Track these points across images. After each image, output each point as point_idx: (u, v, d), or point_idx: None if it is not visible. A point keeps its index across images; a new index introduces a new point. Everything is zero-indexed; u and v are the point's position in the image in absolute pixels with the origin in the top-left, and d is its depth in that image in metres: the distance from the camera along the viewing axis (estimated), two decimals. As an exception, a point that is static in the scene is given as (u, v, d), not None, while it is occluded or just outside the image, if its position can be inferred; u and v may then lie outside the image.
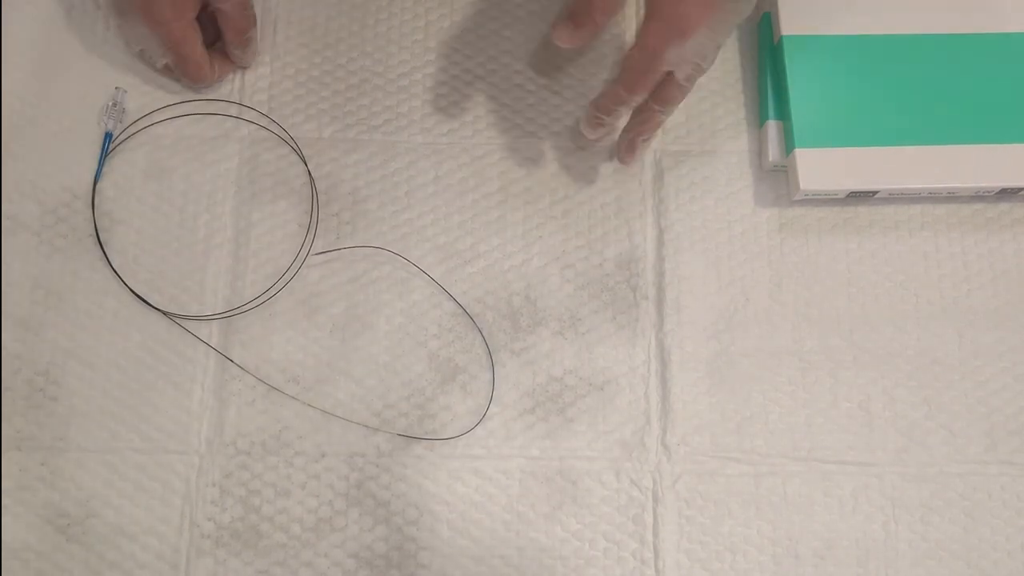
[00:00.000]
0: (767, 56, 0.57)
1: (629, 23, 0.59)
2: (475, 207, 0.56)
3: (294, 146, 0.56)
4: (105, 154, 0.55)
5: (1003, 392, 0.53)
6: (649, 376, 0.53)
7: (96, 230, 0.54)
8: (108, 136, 0.55)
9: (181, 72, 0.55)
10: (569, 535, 0.51)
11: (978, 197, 0.56)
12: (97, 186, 0.55)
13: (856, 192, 0.55)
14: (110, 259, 0.54)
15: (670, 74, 0.49)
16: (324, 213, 0.55)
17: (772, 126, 0.56)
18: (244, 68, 0.58)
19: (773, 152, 0.56)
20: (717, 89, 0.58)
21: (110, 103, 0.56)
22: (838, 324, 0.54)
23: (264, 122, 0.57)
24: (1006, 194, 0.56)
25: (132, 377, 0.52)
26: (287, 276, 0.54)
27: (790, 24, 0.56)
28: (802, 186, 0.54)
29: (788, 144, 0.55)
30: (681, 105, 0.57)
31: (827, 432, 0.53)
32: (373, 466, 0.51)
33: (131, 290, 0.53)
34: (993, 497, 0.52)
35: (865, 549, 0.51)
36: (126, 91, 0.56)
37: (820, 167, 0.54)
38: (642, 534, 0.51)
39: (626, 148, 0.54)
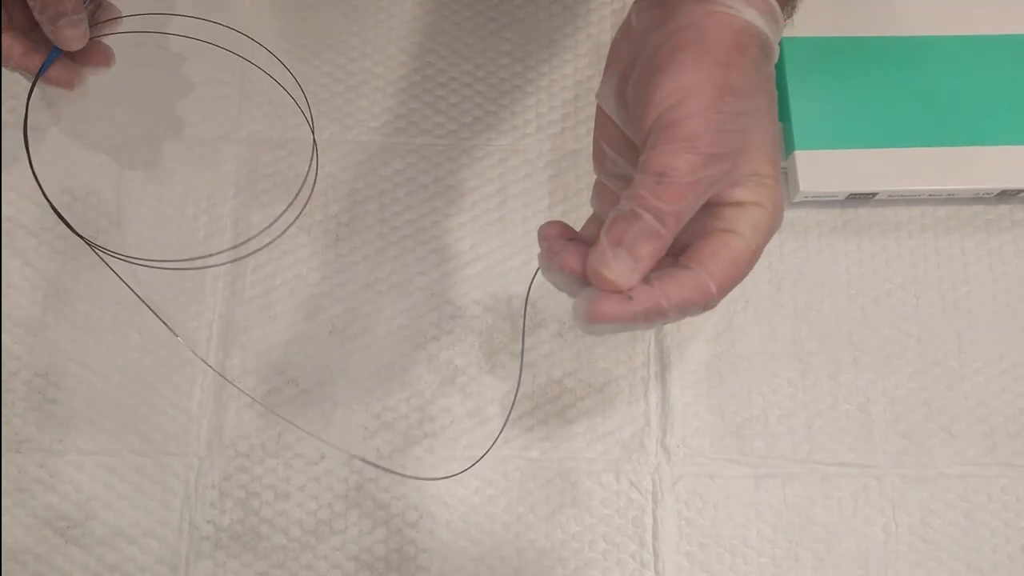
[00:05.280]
0: (767, 57, 0.57)
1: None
2: (474, 208, 0.56)
3: (293, 147, 0.56)
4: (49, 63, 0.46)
5: (1003, 394, 0.53)
6: (649, 378, 0.53)
7: (82, 236, 0.53)
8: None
9: None
10: (568, 537, 0.51)
11: (978, 199, 0.56)
12: (96, 186, 0.54)
13: (856, 194, 0.55)
14: (106, 260, 0.53)
15: None
16: (324, 214, 0.55)
17: (772, 128, 0.56)
18: (67, 51, 0.45)
19: (773, 154, 0.56)
20: (717, 90, 0.58)
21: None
22: (838, 326, 0.54)
23: (264, 122, 0.57)
24: (1006, 196, 0.56)
25: (131, 379, 0.52)
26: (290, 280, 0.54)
27: (789, 26, 0.56)
28: (802, 188, 0.54)
29: (788, 146, 0.55)
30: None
31: (827, 434, 0.53)
32: (372, 468, 0.51)
33: (134, 293, 0.53)
34: (993, 499, 0.52)
35: (865, 551, 0.51)
36: None
37: (820, 169, 0.54)
38: (642, 536, 0.51)
39: None
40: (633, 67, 0.37)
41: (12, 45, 0.44)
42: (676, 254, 0.37)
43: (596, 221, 0.41)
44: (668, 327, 0.54)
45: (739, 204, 0.36)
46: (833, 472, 0.52)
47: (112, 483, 0.51)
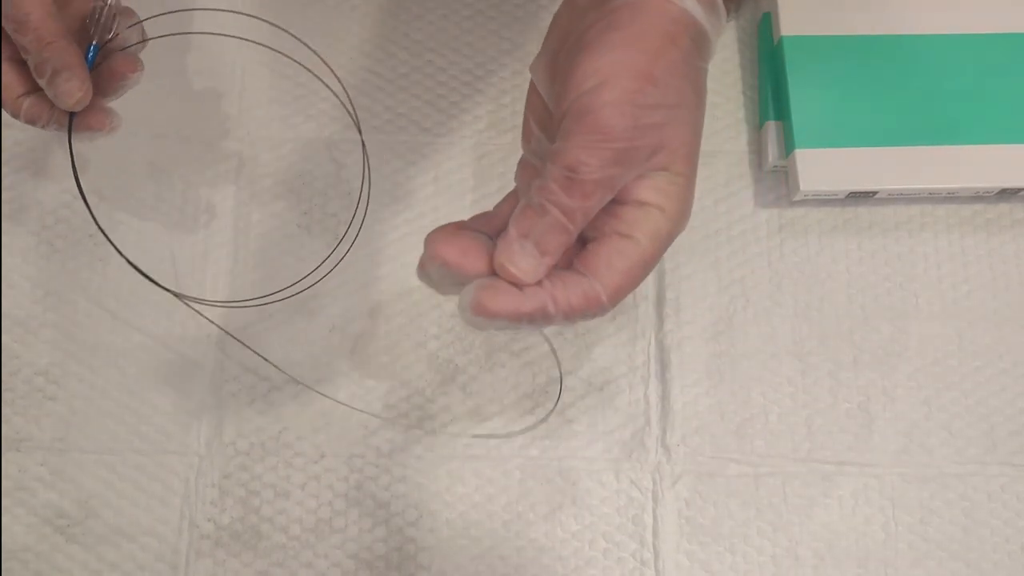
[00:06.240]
0: (766, 56, 0.57)
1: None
2: (475, 207, 0.56)
3: (293, 146, 0.56)
4: (91, 65, 0.44)
5: (1003, 393, 0.53)
6: (649, 377, 0.53)
7: (100, 229, 0.51)
8: (93, 48, 0.44)
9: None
10: (569, 535, 0.51)
11: (978, 198, 0.56)
12: (95, 186, 0.55)
13: (856, 193, 0.55)
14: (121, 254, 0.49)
15: None
16: (323, 213, 0.55)
17: (772, 127, 0.56)
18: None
19: (773, 153, 0.56)
20: (717, 89, 0.58)
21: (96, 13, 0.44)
22: (838, 324, 0.54)
23: (263, 122, 0.57)
24: (1006, 195, 0.56)
25: (131, 378, 0.52)
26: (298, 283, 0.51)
27: (790, 24, 0.56)
28: (802, 187, 0.54)
29: (788, 145, 0.55)
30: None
31: (827, 433, 0.53)
32: (373, 467, 0.51)
33: (151, 280, 0.53)
34: (993, 498, 0.52)
35: (865, 550, 0.51)
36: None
37: (820, 168, 0.54)
38: (642, 535, 0.51)
39: None
40: (567, 41, 0.36)
41: (39, 107, 0.43)
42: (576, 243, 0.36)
43: (513, 197, 0.39)
44: (668, 326, 0.54)
45: (641, 204, 0.35)
46: (833, 471, 0.52)
47: (112, 481, 0.51)
